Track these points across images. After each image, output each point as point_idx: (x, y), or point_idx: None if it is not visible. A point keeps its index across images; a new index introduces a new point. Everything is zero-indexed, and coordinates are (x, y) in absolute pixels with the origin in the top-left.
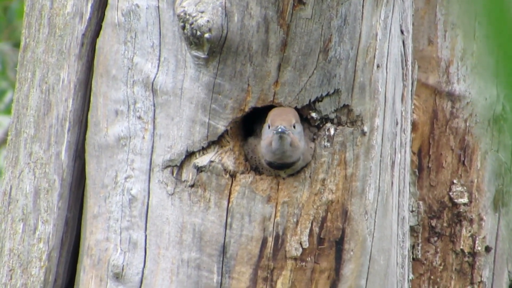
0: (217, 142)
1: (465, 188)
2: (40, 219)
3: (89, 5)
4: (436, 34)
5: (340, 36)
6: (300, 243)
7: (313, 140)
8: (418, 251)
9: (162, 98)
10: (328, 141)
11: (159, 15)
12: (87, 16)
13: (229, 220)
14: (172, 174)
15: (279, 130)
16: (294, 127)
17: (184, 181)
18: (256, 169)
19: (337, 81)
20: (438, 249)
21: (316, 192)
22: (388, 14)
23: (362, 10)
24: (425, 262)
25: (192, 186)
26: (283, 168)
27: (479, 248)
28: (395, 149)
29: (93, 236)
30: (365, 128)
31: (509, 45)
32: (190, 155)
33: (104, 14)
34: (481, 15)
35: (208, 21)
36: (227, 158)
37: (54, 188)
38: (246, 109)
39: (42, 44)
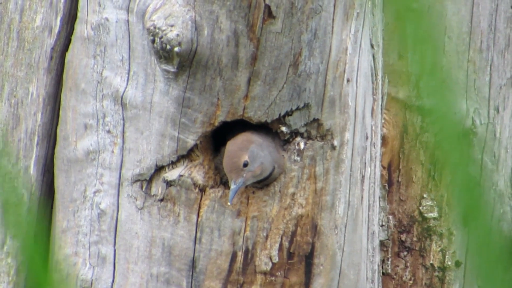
0: (186, 156)
1: (435, 202)
2: (8, 234)
3: (58, 18)
4: (406, 48)
5: (310, 50)
6: (270, 258)
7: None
8: (388, 266)
9: (132, 112)
10: (298, 155)
11: (128, 29)
12: (56, 29)
13: (198, 234)
14: (142, 188)
15: (230, 198)
16: (245, 164)
17: (153, 195)
18: (226, 183)
19: (307, 95)
20: (408, 264)
21: (286, 207)
22: (358, 28)
23: (332, 24)
24: (395, 276)
25: (161, 200)
26: (265, 179)
27: (449, 263)
28: (365, 163)
29: (62, 250)
30: (335, 142)
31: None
32: (159, 169)
33: (73, 28)
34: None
35: (177, 35)
36: (196, 172)
37: (22, 202)
38: (216, 123)
39: (11, 57)
